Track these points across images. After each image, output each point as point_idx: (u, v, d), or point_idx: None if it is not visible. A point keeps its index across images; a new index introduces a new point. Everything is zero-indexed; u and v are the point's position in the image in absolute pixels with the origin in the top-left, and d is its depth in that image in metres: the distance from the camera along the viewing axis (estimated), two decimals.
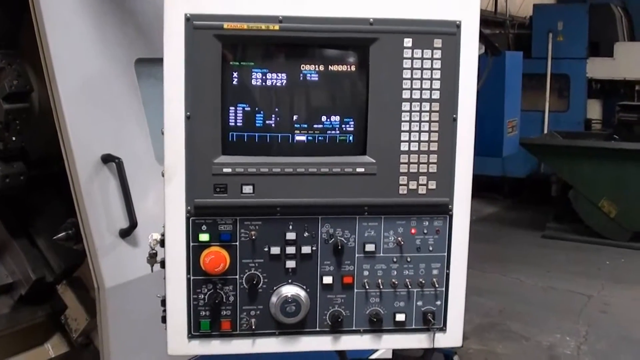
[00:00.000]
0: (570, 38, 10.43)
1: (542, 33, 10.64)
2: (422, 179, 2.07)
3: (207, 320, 2.08)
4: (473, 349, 6.27)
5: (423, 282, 2.13)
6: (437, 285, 2.14)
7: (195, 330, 2.08)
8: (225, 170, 2.00)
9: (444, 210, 2.11)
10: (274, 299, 2.08)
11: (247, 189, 2.02)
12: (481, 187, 11.77)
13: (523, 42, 11.38)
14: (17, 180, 3.30)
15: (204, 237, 2.04)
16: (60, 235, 3.12)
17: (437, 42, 2.01)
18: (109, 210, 2.76)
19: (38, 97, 3.25)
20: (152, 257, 2.14)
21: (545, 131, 10.67)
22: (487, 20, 13.98)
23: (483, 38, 2.19)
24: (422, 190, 2.07)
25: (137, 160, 2.84)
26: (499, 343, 6.39)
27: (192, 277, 2.05)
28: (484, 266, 8.49)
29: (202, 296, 2.07)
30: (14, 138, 3.21)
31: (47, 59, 2.64)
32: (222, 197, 2.01)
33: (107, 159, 2.78)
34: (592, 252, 9.17)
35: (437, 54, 2.02)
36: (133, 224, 2.76)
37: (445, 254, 2.14)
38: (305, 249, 2.08)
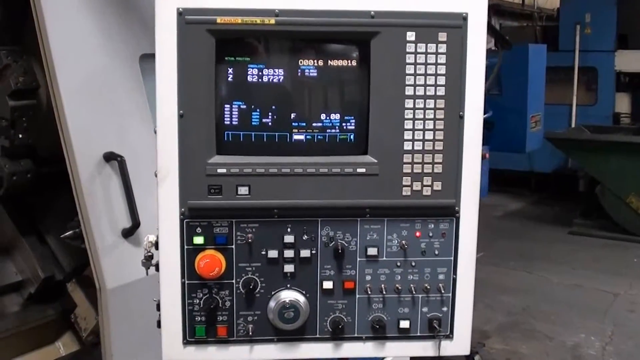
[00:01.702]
0: (598, 30, 10.21)
1: (570, 25, 10.43)
2: (427, 180, 1.97)
3: (202, 325, 2.00)
4: (495, 349, 6.14)
5: (428, 287, 2.04)
6: (443, 291, 2.04)
7: (191, 336, 2.01)
8: (219, 170, 1.92)
9: (450, 213, 2.01)
10: (272, 304, 2.00)
11: (243, 190, 1.94)
12: (507, 182, 11.62)
13: (551, 34, 11.18)
14: (25, 177, 3.25)
15: (198, 240, 1.96)
16: (67, 233, 3.07)
17: (442, 36, 1.91)
18: (111, 210, 2.70)
19: (45, 94, 3.20)
20: (147, 260, 2.07)
21: (573, 125, 10.48)
22: (515, 13, 13.81)
23: (492, 31, 2.08)
24: (426, 191, 1.97)
25: (140, 158, 2.77)
26: (522, 343, 6.25)
27: (186, 282, 1.98)
28: (509, 263, 8.34)
29: (198, 301, 1.99)
30: (20, 135, 3.16)
31: (48, 54, 2.59)
32: (217, 199, 1.93)
33: (109, 157, 2.72)
34: (620, 249, 8.96)
35: (442, 48, 1.92)
36: (135, 223, 2.70)
37: (452, 258, 2.04)
38: (305, 253, 1.99)
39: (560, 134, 9.34)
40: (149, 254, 2.06)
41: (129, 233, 2.72)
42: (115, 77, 2.77)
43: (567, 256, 8.66)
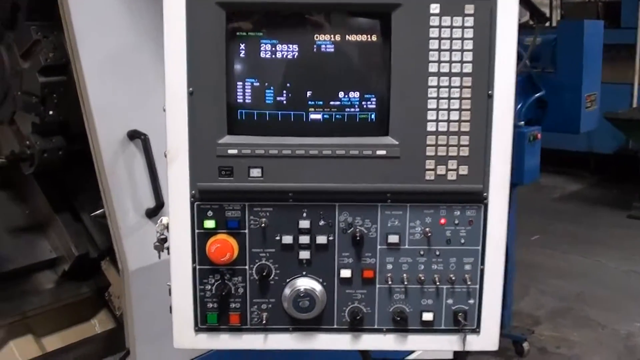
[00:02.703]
0: None
1: (632, 2, 9.99)
2: (452, 164, 1.83)
3: (214, 313, 1.92)
4: (545, 336, 5.96)
5: (454, 278, 1.91)
6: (469, 282, 1.91)
7: (202, 324, 1.93)
8: (230, 151, 1.82)
9: (478, 199, 1.87)
10: (286, 292, 1.90)
11: (255, 173, 1.83)
12: (565, 163, 11.27)
13: (613, 11, 10.74)
14: (56, 154, 3.22)
15: (209, 223, 1.87)
16: (98, 212, 3.03)
17: (469, 8, 1.76)
18: (134, 189, 2.64)
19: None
20: (160, 243, 1.99)
21: (634, 105, 10.08)
22: None
23: (525, 3, 1.92)
24: (451, 175, 1.84)
25: (165, 136, 2.69)
26: (573, 330, 6.05)
27: (198, 267, 1.90)
28: (565, 247, 8.10)
29: (209, 287, 1.91)
30: (51, 112, 3.12)
31: (70, 30, 2.52)
32: (228, 181, 1.83)
33: (133, 135, 2.65)
34: None
35: (469, 21, 1.77)
36: (160, 203, 2.64)
37: (480, 247, 1.90)
38: (321, 239, 1.88)
39: (620, 114, 8.98)
40: (162, 236, 1.98)
41: (153, 213, 2.66)
42: (139, 54, 2.69)
43: (625, 241, 8.36)
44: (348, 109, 1.83)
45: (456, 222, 1.89)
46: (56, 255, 3.61)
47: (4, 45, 3.26)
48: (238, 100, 1.82)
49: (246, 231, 1.88)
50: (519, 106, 5.29)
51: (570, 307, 6.54)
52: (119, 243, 2.62)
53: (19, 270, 3.46)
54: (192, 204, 1.86)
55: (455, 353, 1.93)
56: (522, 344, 5.58)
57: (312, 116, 1.83)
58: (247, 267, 1.90)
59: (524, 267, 6.75)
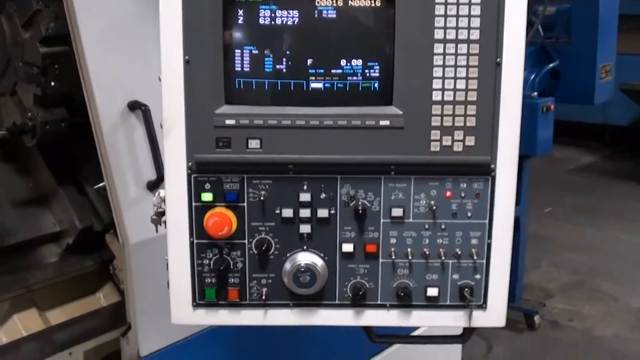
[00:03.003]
0: None
1: None
2: (458, 134, 1.76)
3: (212, 288, 1.87)
4: (558, 309, 5.91)
5: (460, 252, 1.85)
6: (476, 257, 1.85)
7: (200, 299, 1.88)
8: (227, 122, 1.76)
9: (485, 171, 1.80)
10: (287, 267, 1.84)
11: (254, 144, 1.77)
12: (580, 135, 11.14)
13: None
14: (59, 126, 3.16)
15: (207, 196, 1.81)
16: (100, 184, 2.98)
17: None
18: (135, 161, 2.58)
19: None
20: (158, 216, 1.93)
21: None
22: None
23: None
24: (457, 147, 1.77)
25: None
26: (585, 303, 6.00)
27: (195, 241, 1.84)
28: (578, 220, 8.03)
29: (207, 262, 1.86)
30: (52, 83, 3.05)
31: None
32: (226, 153, 1.77)
33: (133, 106, 2.58)
34: None
35: None
36: (161, 175, 2.57)
37: (487, 221, 1.84)
38: (322, 212, 1.82)
39: (635, 85, 8.84)
40: (160, 210, 1.93)
41: (154, 186, 2.60)
42: (140, 24, 2.61)
43: (639, 213, 8.27)
44: (350, 78, 1.76)
45: (462, 195, 1.82)
46: (60, 229, 3.56)
47: (5, 15, 3.19)
48: (236, 69, 1.76)
49: (245, 204, 1.82)
50: (532, 77, 5.19)
51: (582, 280, 6.48)
52: (119, 216, 2.57)
53: (22, 243, 3.42)
54: (189, 176, 1.81)
55: (464, 328, 1.87)
56: (533, 317, 5.53)
57: (313, 85, 1.76)
58: (246, 241, 1.84)
59: (536, 239, 6.69)
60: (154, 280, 2.51)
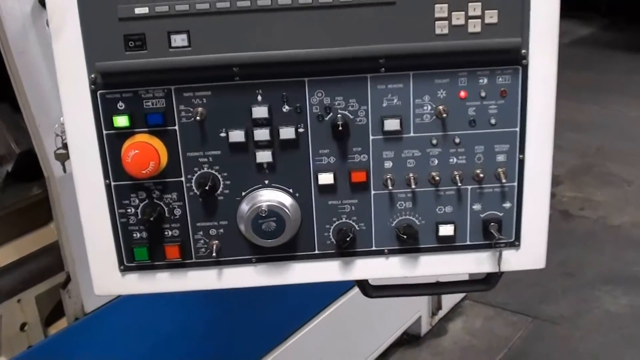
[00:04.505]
0: None
1: None
2: (474, 8, 1.21)
3: (143, 245, 1.35)
4: (567, 197, 5.44)
5: (481, 174, 1.33)
6: (504, 180, 1.33)
7: (129, 261, 1.37)
8: (138, 11, 1.19)
9: (514, 59, 1.26)
10: (243, 209, 1.32)
11: (179, 40, 1.21)
12: (573, 5, 10.46)
13: None
14: None
15: (121, 120, 1.27)
16: None
17: None
18: (55, 73, 2.01)
19: None
20: (65, 149, 1.39)
21: None
22: None
23: None
24: (474, 26, 1.22)
25: None
26: (597, 189, 5.53)
27: (112, 183, 1.32)
28: (580, 97, 7.47)
29: (133, 210, 1.33)
30: None
31: None
32: (140, 56, 1.22)
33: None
34: None
35: None
36: None
37: (518, 128, 1.31)
38: (287, 132, 1.29)
39: None
40: (65, 141, 1.39)
41: None
42: None
43: None
44: None
45: (483, 94, 1.28)
46: None
47: None
48: None
49: (176, 127, 1.28)
50: None
51: (591, 163, 6.00)
52: (39, 144, 2.04)
53: None
54: (93, 93, 1.26)
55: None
56: None
57: None
58: (183, 178, 1.32)
59: None
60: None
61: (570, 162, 6.00)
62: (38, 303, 2.72)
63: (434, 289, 1.52)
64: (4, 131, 2.93)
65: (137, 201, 1.33)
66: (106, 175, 1.31)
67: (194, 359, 2.56)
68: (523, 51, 1.26)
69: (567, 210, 5.20)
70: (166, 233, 1.35)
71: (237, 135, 1.28)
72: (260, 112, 1.27)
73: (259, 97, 1.27)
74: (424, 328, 3.77)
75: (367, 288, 1.50)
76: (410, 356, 3.69)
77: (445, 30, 1.22)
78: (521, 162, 1.32)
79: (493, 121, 1.30)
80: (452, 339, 3.80)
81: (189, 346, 2.48)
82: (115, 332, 2.27)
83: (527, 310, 3.96)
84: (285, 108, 1.28)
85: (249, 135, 1.28)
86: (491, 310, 3.99)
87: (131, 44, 1.21)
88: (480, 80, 1.28)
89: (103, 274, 1.38)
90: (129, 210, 1.33)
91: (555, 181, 5.63)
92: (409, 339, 3.76)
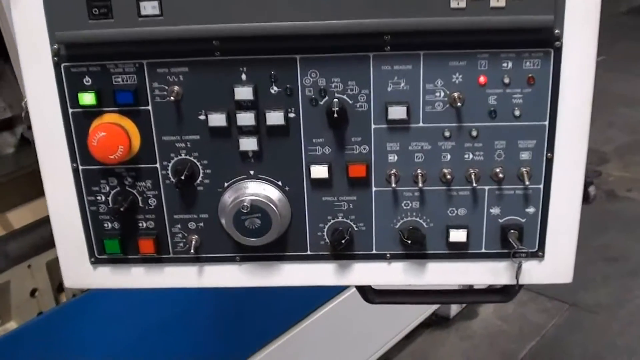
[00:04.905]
0: None
1: None
2: None
3: (115, 237, 1.21)
4: (614, 176, 5.19)
5: (501, 174, 1.14)
6: (527, 181, 1.14)
7: (100, 253, 1.23)
8: None
9: (544, 40, 1.06)
10: (225, 201, 1.17)
11: (149, 8, 1.05)
12: None
13: None
14: None
15: (87, 98, 1.11)
16: None
17: None
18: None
19: None
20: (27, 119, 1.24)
21: None
22: None
23: None
24: (497, 0, 1.03)
25: None
26: None
27: (81, 167, 1.17)
28: (635, 69, 7.13)
29: (103, 198, 1.19)
30: None
31: None
32: (107, 25, 1.06)
33: None
34: None
35: None
36: None
37: (547, 122, 1.12)
38: (274, 117, 1.11)
39: None
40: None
41: None
42: None
43: None
44: None
45: (506, 80, 1.09)
46: (11, 114, 2.96)
47: None
48: None
49: (149, 108, 1.12)
50: None
51: None
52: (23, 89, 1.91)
53: None
54: (56, 66, 1.11)
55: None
56: (587, 188, 4.82)
57: None
58: (157, 165, 1.16)
59: None
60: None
61: (620, 139, 5.73)
62: (49, 269, 2.65)
63: (444, 297, 1.35)
64: (18, 92, 2.84)
65: (107, 188, 1.18)
66: (73, 159, 1.16)
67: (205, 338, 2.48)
68: (556, 31, 1.06)
69: (613, 191, 4.94)
70: (140, 225, 1.20)
71: (217, 119, 1.11)
72: (244, 93, 1.10)
73: (243, 76, 1.10)
74: (454, 310, 3.61)
75: (369, 293, 1.33)
76: (437, 338, 3.54)
77: (463, 4, 1.03)
78: (549, 162, 1.13)
79: (517, 113, 1.11)
80: (482, 322, 3.64)
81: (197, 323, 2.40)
82: (127, 301, 2.17)
83: (563, 297, 3.76)
84: (274, 89, 1.10)
85: (231, 119, 1.12)
86: (525, 294, 3.80)
87: (95, 11, 1.05)
88: (504, 64, 1.08)
89: (73, 265, 1.24)
90: (98, 198, 1.18)
91: (603, 159, 5.38)
92: (437, 320, 3.61)
